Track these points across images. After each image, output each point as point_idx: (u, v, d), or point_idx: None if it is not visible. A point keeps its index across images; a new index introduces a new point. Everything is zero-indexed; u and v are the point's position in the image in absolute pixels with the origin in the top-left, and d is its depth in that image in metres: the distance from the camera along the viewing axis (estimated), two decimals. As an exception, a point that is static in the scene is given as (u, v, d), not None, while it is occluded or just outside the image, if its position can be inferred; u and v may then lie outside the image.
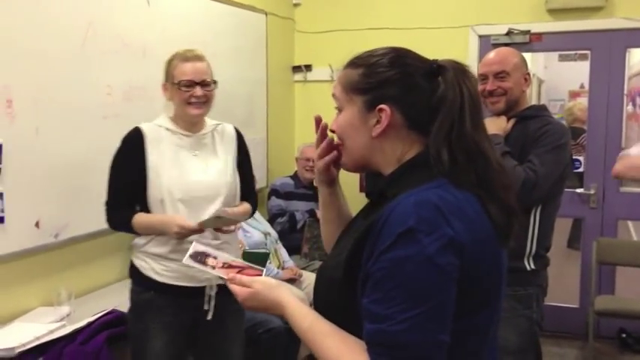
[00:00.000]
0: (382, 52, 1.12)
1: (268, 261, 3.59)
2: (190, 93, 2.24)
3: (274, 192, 4.11)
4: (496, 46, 4.32)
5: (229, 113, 3.91)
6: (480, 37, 4.28)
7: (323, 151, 1.25)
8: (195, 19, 3.58)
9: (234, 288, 1.18)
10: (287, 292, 1.14)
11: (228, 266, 1.32)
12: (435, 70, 1.09)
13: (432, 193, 1.00)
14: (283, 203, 4.06)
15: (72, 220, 2.74)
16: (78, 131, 2.76)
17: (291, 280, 3.55)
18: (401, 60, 1.10)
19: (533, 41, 4.09)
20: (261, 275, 1.26)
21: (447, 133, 1.05)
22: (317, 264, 3.91)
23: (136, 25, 3.09)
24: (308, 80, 4.70)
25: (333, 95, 1.16)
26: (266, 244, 3.64)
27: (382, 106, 1.07)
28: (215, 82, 2.32)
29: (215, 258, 1.37)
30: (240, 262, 1.35)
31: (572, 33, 4.05)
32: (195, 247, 1.42)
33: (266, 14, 4.32)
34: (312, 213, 4.05)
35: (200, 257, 1.37)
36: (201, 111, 2.28)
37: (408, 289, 0.92)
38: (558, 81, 6.61)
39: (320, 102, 4.84)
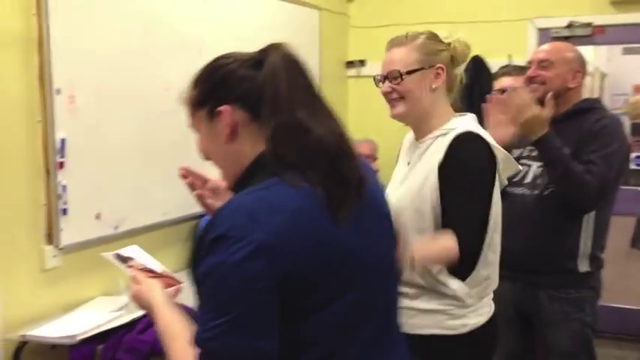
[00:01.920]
0: (208, 62, 1.15)
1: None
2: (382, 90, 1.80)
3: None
4: (556, 39, 4.21)
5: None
6: (540, 30, 4.15)
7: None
8: (250, 15, 3.62)
9: (130, 286, 1.27)
10: (160, 296, 1.19)
11: (146, 270, 1.34)
12: (259, 57, 1.09)
13: (252, 196, 1.00)
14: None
15: (131, 213, 2.82)
16: (137, 126, 2.84)
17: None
18: (221, 61, 1.12)
19: (595, 34, 3.94)
20: (177, 285, 1.30)
21: (269, 116, 1.04)
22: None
23: (192, 21, 3.15)
24: (361, 75, 4.68)
25: (190, 126, 1.18)
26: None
27: (219, 108, 1.08)
28: (407, 73, 1.71)
29: (140, 263, 1.39)
30: (163, 270, 1.37)
31: (637, 25, 3.88)
32: (130, 250, 1.46)
33: (319, 10, 4.32)
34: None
35: (126, 259, 1.41)
36: (394, 110, 1.79)
37: (215, 298, 0.95)
38: (622, 75, 6.35)
39: (373, 97, 4.75)
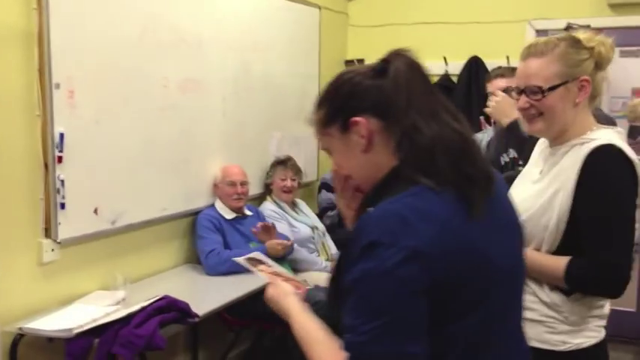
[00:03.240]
0: (331, 80, 1.15)
1: (315, 254, 3.62)
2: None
3: (325, 185, 4.12)
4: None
5: (280, 108, 3.96)
6: (537, 31, 4.17)
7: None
8: (249, 13, 3.64)
9: (267, 289, 1.29)
10: (296, 301, 1.21)
11: (277, 275, 1.40)
12: (381, 67, 1.09)
13: (401, 203, 1.00)
14: (334, 197, 4.08)
15: (129, 208, 2.83)
16: (135, 122, 2.85)
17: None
18: (344, 77, 1.13)
19: (593, 36, 3.96)
20: (301, 289, 1.32)
21: (398, 123, 1.05)
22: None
23: (192, 18, 3.17)
24: (360, 75, 4.69)
25: (322, 148, 1.19)
26: (313, 238, 3.66)
27: (354, 118, 1.08)
28: (549, 89, 1.54)
29: (269, 266, 1.44)
30: (289, 275, 1.42)
31: (635, 28, 3.90)
32: (256, 254, 1.51)
33: (319, 8, 4.34)
34: (361, 207, 4.05)
35: (254, 262, 1.46)
36: (532, 126, 1.63)
37: (368, 302, 0.96)
38: (620, 78, 6.35)
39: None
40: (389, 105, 1.07)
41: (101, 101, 2.66)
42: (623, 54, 4.18)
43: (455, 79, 4.39)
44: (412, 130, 1.04)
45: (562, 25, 4.02)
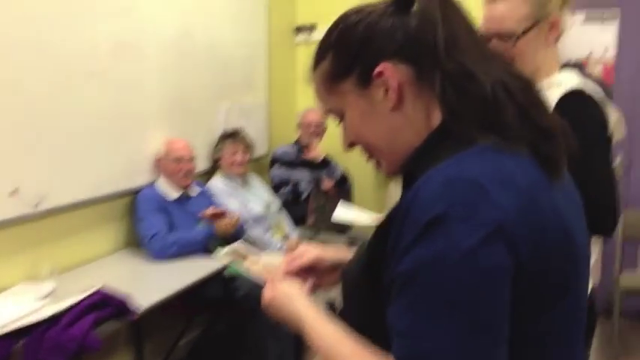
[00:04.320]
0: (332, 25, 0.90)
1: (270, 232, 3.34)
2: None
3: (276, 161, 3.83)
4: None
5: (226, 77, 3.62)
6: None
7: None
8: (191, -31, 3.26)
9: (263, 292, 1.01)
10: (304, 303, 0.94)
11: (269, 268, 1.10)
12: (403, 1, 0.85)
13: (469, 162, 0.76)
14: (286, 172, 3.79)
15: (55, 188, 2.46)
16: (60, 87, 2.47)
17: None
18: (351, 18, 0.87)
19: None
20: (308, 280, 1.05)
21: (434, 69, 0.81)
22: (323, 236, 3.66)
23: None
24: (312, 42, 4.39)
25: (327, 111, 0.93)
26: (268, 216, 3.38)
27: (378, 68, 0.83)
28: (522, 33, 1.46)
29: (257, 260, 1.14)
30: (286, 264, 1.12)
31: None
32: (236, 246, 1.19)
33: (267, -32, 4.00)
34: (317, 183, 3.79)
35: (239, 256, 1.15)
36: None
37: (438, 297, 0.70)
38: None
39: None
40: (422, 45, 0.82)
41: (18, 63, 2.27)
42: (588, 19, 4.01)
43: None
44: (460, 75, 0.80)
45: None
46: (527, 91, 0.82)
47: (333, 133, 4.00)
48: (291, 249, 3.26)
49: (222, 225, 2.87)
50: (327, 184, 3.79)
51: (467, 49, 0.82)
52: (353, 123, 0.89)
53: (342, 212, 1.46)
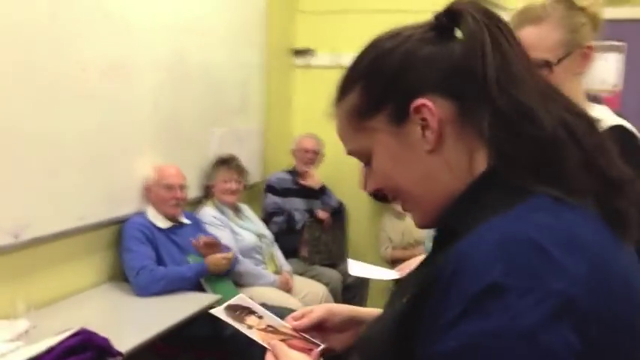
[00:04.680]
0: (361, 52, 0.78)
1: (262, 266, 3.19)
2: None
3: (270, 188, 3.70)
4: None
5: (221, 101, 3.50)
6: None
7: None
8: (187, -9, 3.16)
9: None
10: None
11: (272, 330, 0.96)
12: (444, 23, 0.74)
13: (527, 219, 0.64)
14: (280, 201, 3.66)
15: (36, 218, 2.31)
16: (45, 112, 2.33)
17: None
18: (387, 44, 0.76)
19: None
20: (314, 351, 0.90)
21: (482, 105, 0.69)
22: (317, 269, 3.53)
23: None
24: (311, 66, 4.29)
25: (351, 152, 0.81)
26: (260, 248, 3.23)
27: (417, 101, 0.72)
28: (557, 62, 1.34)
29: (260, 317, 0.99)
30: (290, 329, 0.97)
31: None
32: (239, 298, 1.05)
33: (265, -9, 3.90)
34: (312, 213, 3.66)
35: (240, 312, 1.00)
36: None
37: None
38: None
39: (323, 90, 4.40)
40: (467, 77, 0.70)
41: (4, 88, 2.14)
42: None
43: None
44: (514, 112, 0.68)
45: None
46: (592, 133, 0.70)
47: (327, 160, 3.89)
48: (284, 285, 3.11)
49: (215, 260, 2.73)
50: (323, 214, 3.66)
51: (522, 81, 0.69)
52: (382, 165, 0.76)
53: (357, 268, 1.33)
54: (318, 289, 3.25)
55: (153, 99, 2.94)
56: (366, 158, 0.78)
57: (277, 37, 4.11)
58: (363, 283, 3.73)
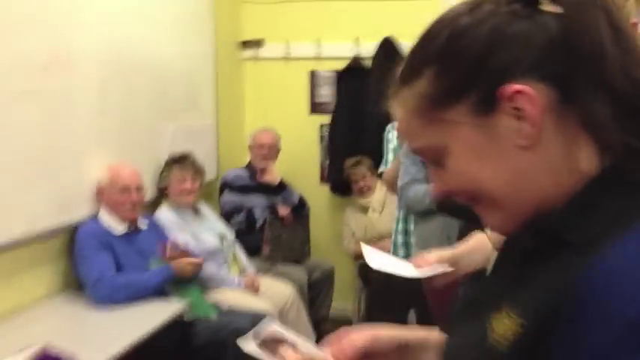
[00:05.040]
0: (429, 30, 0.65)
1: (226, 268, 3.04)
2: None
3: (227, 186, 3.54)
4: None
5: (166, 95, 3.29)
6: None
7: None
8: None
9: None
10: None
11: None
12: None
13: None
14: (238, 199, 3.50)
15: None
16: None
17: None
18: (464, 18, 0.62)
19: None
20: None
21: (592, 92, 0.59)
22: (281, 268, 3.39)
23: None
24: (261, 57, 4.14)
25: (416, 150, 0.68)
26: (223, 249, 3.07)
27: (510, 87, 0.59)
28: None
29: (293, 346, 0.87)
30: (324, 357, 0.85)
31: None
32: (267, 326, 0.91)
33: (212, -21, 3.72)
34: (272, 210, 3.52)
35: (270, 342, 0.87)
36: None
37: None
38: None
39: (274, 83, 4.33)
40: (570, 57, 0.58)
41: None
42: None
43: (367, 63, 3.97)
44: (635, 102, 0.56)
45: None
46: None
47: (284, 154, 3.76)
48: (250, 286, 2.97)
49: (182, 265, 2.55)
50: (283, 210, 3.52)
51: (632, 62, 0.58)
52: (463, 165, 0.64)
53: (376, 259, 1.21)
54: (285, 288, 3.12)
55: (99, 93, 2.72)
56: (438, 157, 0.65)
57: (225, 28, 3.93)
58: (327, 279, 3.63)
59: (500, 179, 0.62)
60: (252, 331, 0.89)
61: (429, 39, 0.65)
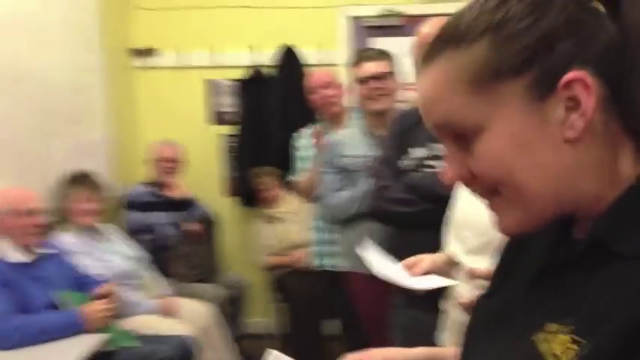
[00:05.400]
0: None
1: (140, 291, 2.82)
2: None
3: (130, 204, 3.30)
4: (370, 29, 3.99)
5: (49, 107, 2.99)
6: (350, 18, 3.91)
7: None
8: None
9: None
10: None
11: None
12: None
13: None
14: (142, 216, 3.27)
15: None
16: None
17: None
18: None
19: (407, 24, 3.84)
20: None
21: None
22: (195, 287, 3.21)
23: None
24: (153, 67, 3.92)
25: (442, 125, 0.61)
26: (134, 271, 2.85)
27: (572, 74, 0.56)
28: None
29: None
30: None
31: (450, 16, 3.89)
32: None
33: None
34: (179, 226, 3.33)
35: None
36: None
37: None
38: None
39: (167, 93, 4.10)
40: (622, 60, 0.57)
41: None
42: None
43: (268, 71, 3.89)
44: None
45: (376, 11, 3.85)
46: None
47: (189, 168, 3.59)
48: (168, 310, 2.78)
49: (93, 312, 2.30)
50: (194, 226, 3.34)
51: None
52: (498, 147, 0.58)
53: (376, 264, 1.14)
54: (203, 308, 2.95)
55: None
56: (466, 136, 0.59)
57: (114, 36, 3.67)
58: (241, 294, 3.50)
59: (538, 173, 0.57)
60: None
61: (498, 3, 0.59)
